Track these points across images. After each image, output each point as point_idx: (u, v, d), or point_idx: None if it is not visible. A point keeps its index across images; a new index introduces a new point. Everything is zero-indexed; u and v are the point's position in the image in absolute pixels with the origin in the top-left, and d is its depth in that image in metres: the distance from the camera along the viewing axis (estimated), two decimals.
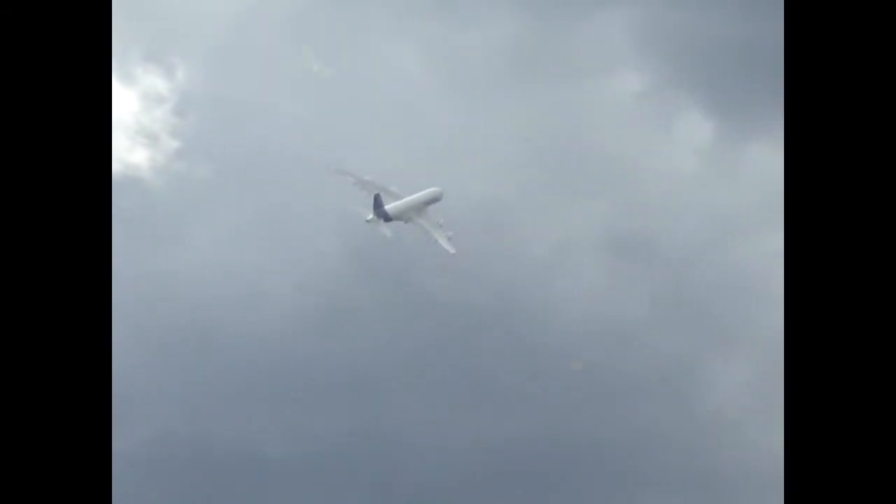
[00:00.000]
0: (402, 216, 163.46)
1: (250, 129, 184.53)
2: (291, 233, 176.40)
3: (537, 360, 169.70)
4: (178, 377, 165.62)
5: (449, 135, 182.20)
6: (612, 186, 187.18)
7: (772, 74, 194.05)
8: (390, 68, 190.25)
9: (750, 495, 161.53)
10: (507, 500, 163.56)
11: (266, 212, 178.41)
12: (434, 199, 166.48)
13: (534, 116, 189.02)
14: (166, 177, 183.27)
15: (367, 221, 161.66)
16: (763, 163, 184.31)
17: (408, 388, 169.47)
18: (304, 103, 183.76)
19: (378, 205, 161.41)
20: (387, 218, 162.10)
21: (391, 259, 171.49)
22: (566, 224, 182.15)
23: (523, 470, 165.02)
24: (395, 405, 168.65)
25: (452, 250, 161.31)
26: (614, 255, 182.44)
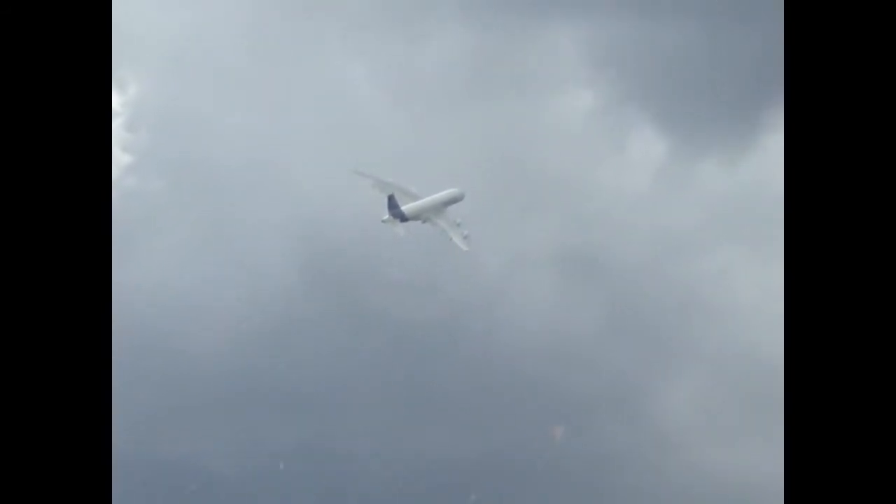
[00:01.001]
0: (420, 216, 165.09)
1: (202, 142, 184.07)
2: (242, 247, 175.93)
3: (486, 374, 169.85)
4: (124, 392, 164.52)
5: (399, 149, 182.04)
6: (564, 202, 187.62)
7: (723, 93, 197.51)
8: (342, 81, 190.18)
9: None
10: None
11: (218, 225, 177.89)
12: (454, 200, 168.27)
13: (486, 132, 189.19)
14: (118, 191, 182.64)
15: (384, 222, 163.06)
16: (713, 181, 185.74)
17: (357, 403, 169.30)
18: (256, 117, 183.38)
19: (393, 205, 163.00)
20: (403, 218, 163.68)
21: (341, 273, 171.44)
22: (517, 240, 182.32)
23: (471, 483, 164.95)
24: (344, 420, 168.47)
25: (465, 248, 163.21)
26: (565, 271, 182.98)
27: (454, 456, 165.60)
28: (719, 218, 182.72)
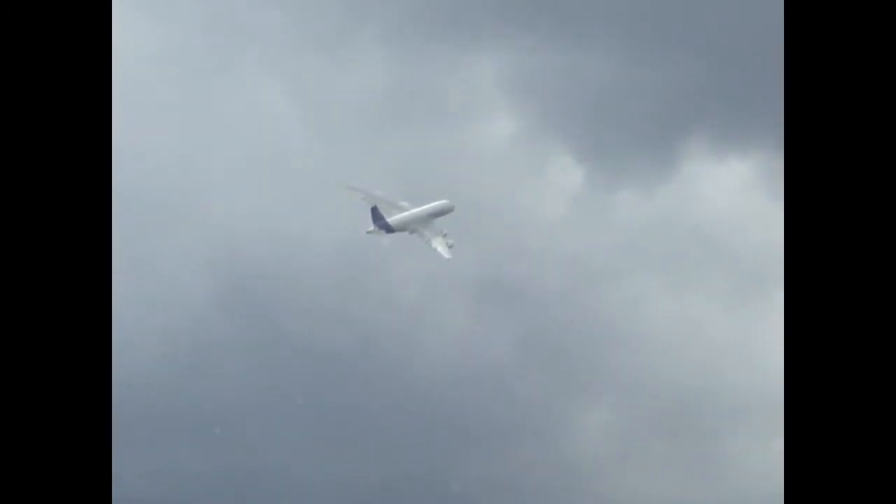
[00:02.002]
0: (407, 227, 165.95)
1: (119, 166, 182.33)
2: (157, 274, 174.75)
3: (401, 400, 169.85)
4: None
5: (317, 174, 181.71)
6: (482, 229, 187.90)
7: (642, 123, 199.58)
8: (261, 105, 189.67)
9: None
10: None
11: (127, 250, 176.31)
12: (443, 212, 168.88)
13: (406, 158, 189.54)
14: None
15: (368, 233, 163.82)
16: (629, 210, 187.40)
17: (274, 430, 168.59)
18: (169, 138, 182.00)
19: (377, 217, 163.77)
20: (389, 229, 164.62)
21: (258, 302, 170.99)
22: (434, 265, 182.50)
23: None
24: (262, 447, 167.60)
25: (448, 256, 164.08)
26: (482, 297, 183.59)
27: (367, 479, 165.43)
28: (634, 246, 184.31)
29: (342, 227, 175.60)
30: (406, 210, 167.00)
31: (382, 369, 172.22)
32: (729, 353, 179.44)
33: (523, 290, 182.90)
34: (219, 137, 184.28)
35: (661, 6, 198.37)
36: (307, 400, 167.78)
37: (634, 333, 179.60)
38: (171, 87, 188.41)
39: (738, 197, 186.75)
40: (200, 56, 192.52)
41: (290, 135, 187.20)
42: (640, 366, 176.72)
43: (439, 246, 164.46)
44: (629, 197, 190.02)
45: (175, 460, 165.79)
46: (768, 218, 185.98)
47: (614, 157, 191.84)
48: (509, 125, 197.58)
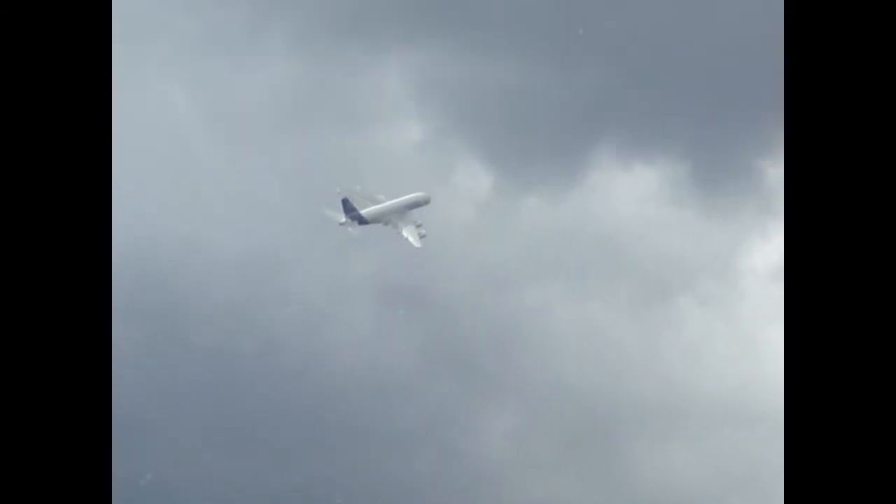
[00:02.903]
0: (381, 219, 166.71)
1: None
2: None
3: (304, 405, 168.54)
4: None
5: (219, 178, 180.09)
6: (387, 234, 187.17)
7: (550, 130, 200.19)
8: (163, 107, 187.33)
9: None
10: None
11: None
12: (418, 203, 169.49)
13: (311, 163, 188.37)
14: None
15: (341, 224, 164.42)
16: (536, 216, 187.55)
17: (173, 433, 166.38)
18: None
19: (349, 209, 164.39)
20: (362, 220, 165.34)
21: (158, 303, 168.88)
22: (339, 272, 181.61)
23: None
24: (159, 451, 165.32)
25: (418, 245, 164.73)
26: (387, 303, 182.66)
27: (267, 485, 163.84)
28: (541, 253, 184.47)
29: (248, 229, 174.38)
30: (381, 202, 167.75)
31: (284, 373, 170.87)
32: (632, 360, 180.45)
33: (430, 296, 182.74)
34: (119, 139, 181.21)
35: (570, 15, 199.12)
36: (206, 403, 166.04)
37: (539, 340, 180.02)
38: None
39: (644, 204, 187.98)
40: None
41: (191, 137, 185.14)
42: (545, 372, 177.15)
43: (410, 235, 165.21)
44: (536, 203, 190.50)
45: None
46: (672, 225, 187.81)
47: (522, 164, 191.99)
48: (417, 130, 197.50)
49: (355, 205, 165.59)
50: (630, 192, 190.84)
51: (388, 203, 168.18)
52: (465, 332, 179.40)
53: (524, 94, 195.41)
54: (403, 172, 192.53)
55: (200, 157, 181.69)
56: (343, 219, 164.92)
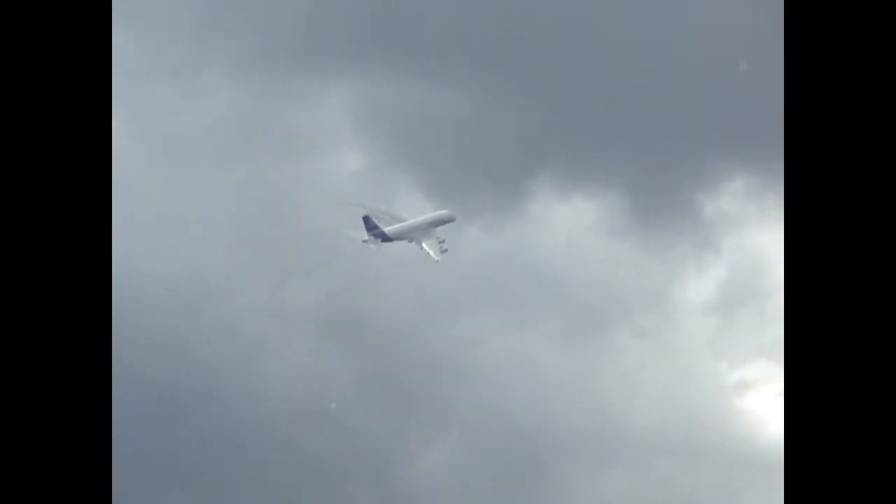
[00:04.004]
0: (405, 236, 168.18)
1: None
2: None
3: (238, 435, 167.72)
4: None
5: (157, 206, 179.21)
6: (327, 264, 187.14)
7: (491, 160, 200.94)
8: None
9: None
10: None
11: None
12: (443, 221, 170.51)
13: (251, 192, 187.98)
14: None
15: (364, 242, 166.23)
16: (476, 246, 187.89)
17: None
18: None
19: (371, 226, 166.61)
20: (385, 238, 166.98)
21: None
22: (277, 302, 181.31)
23: None
24: None
25: (438, 258, 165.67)
26: (324, 333, 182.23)
27: None
28: (479, 283, 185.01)
29: (183, 256, 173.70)
30: (406, 221, 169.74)
31: (217, 403, 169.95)
32: (567, 391, 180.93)
33: (368, 326, 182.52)
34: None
35: (512, 46, 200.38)
36: (137, 433, 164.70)
37: (476, 370, 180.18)
38: None
39: (582, 236, 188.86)
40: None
41: (130, 162, 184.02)
42: (481, 402, 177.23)
43: (431, 249, 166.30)
44: (476, 234, 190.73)
45: None
46: (610, 257, 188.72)
47: (463, 194, 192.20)
48: (357, 159, 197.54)
49: (377, 222, 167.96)
50: (569, 224, 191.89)
51: (412, 221, 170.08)
52: (401, 362, 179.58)
53: (465, 124, 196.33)
54: (342, 201, 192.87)
55: (138, 182, 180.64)
56: (366, 237, 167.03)
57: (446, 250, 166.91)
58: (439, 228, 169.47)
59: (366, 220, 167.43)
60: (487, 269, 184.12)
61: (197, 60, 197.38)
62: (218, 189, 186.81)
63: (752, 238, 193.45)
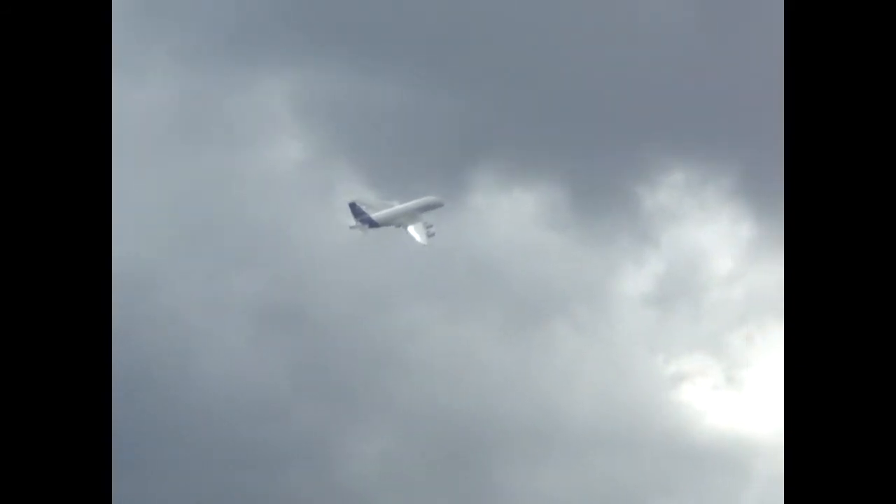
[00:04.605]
0: (393, 221, 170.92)
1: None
2: None
3: (175, 425, 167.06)
4: None
5: None
6: (267, 255, 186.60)
7: (432, 152, 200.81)
8: None
9: None
10: None
11: None
12: (430, 206, 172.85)
13: (190, 182, 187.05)
14: None
15: (351, 228, 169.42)
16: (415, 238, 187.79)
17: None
18: None
19: (357, 213, 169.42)
20: (372, 224, 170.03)
21: None
22: (216, 293, 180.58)
23: None
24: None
25: (423, 242, 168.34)
26: (263, 325, 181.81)
27: None
28: (419, 274, 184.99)
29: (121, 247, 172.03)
30: (393, 207, 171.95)
31: (153, 394, 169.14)
32: (505, 384, 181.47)
33: (305, 317, 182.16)
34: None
35: (453, 38, 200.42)
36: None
37: (414, 362, 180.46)
38: None
39: (522, 228, 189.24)
40: None
41: None
42: (419, 394, 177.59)
43: (417, 233, 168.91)
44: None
45: None
46: (549, 250, 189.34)
47: (404, 185, 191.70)
48: (299, 149, 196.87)
49: (364, 208, 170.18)
50: (509, 216, 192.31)
51: (400, 206, 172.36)
52: (341, 353, 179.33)
53: (406, 115, 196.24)
54: (283, 191, 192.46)
55: None
56: (353, 223, 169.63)
57: (433, 234, 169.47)
58: (427, 213, 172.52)
59: (352, 206, 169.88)
60: (428, 261, 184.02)
61: (136, 51, 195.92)
62: (157, 178, 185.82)
63: (690, 232, 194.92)
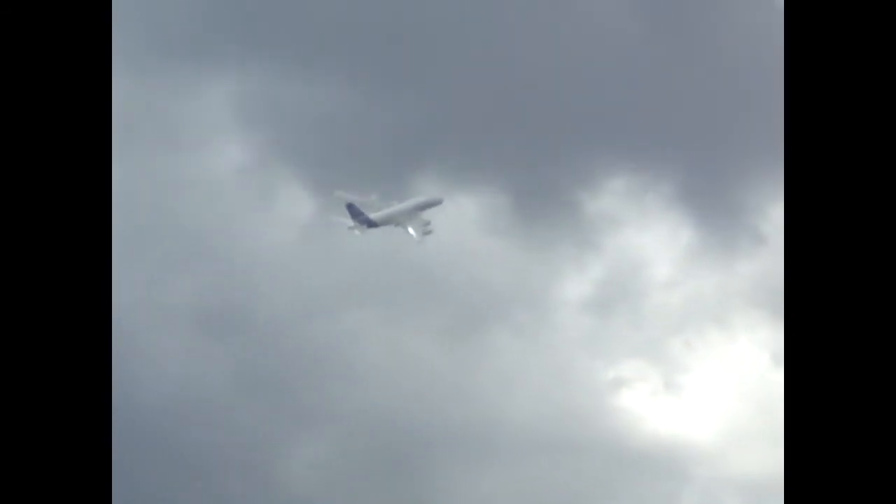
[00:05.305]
0: (391, 221, 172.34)
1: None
2: None
3: (116, 433, 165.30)
4: None
5: None
6: (207, 260, 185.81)
7: (375, 156, 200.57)
8: None
9: None
10: None
11: None
12: (430, 205, 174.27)
13: (129, 186, 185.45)
14: None
15: (350, 229, 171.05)
16: (357, 242, 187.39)
17: None
18: None
19: (355, 213, 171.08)
20: (371, 224, 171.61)
21: None
22: (155, 298, 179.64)
23: None
24: None
25: (419, 239, 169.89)
26: (202, 329, 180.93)
27: None
28: (359, 278, 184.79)
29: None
30: (392, 206, 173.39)
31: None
32: (445, 388, 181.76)
33: (244, 321, 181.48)
34: None
35: (399, 43, 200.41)
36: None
37: (353, 366, 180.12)
38: None
39: (463, 233, 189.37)
40: None
41: None
42: (358, 399, 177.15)
43: (414, 231, 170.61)
44: (357, 230, 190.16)
45: None
46: (491, 255, 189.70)
47: (346, 190, 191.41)
48: (239, 154, 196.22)
49: (362, 209, 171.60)
50: (451, 221, 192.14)
51: (399, 206, 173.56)
52: (279, 357, 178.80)
53: (348, 120, 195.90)
54: (224, 195, 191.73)
55: None
56: (351, 223, 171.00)
57: (430, 231, 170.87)
58: (426, 211, 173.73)
59: (350, 207, 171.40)
60: (369, 265, 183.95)
61: None
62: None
63: (631, 238, 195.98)
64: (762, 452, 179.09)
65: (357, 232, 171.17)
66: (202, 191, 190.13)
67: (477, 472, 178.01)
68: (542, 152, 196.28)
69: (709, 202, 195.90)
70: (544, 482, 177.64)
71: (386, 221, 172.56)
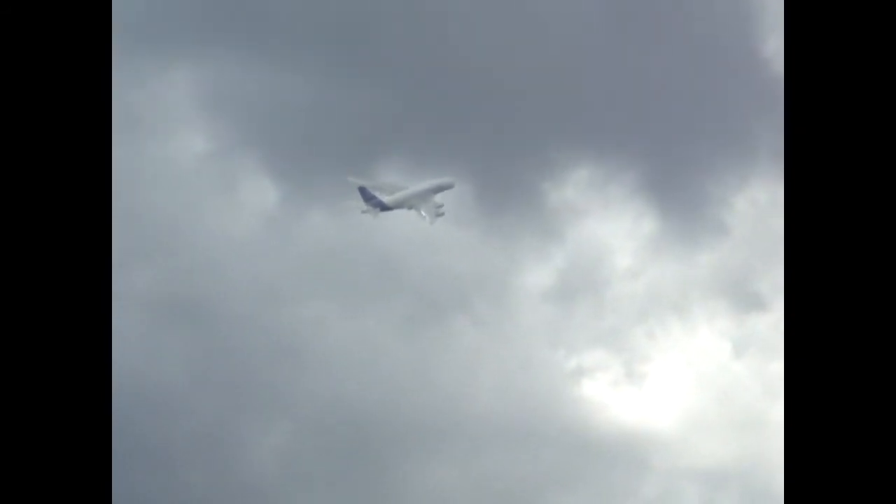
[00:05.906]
0: (404, 204, 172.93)
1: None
2: None
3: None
4: None
5: None
6: (169, 248, 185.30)
7: (340, 145, 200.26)
8: None
9: None
10: None
11: None
12: (442, 188, 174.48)
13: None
14: None
15: (363, 213, 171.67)
16: (320, 232, 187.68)
17: None
18: None
19: (368, 197, 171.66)
20: (384, 207, 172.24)
21: None
22: (117, 288, 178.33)
23: None
24: None
25: (430, 221, 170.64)
26: (161, 317, 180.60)
27: None
28: (321, 268, 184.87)
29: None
30: (405, 190, 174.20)
31: None
32: (405, 378, 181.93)
33: (206, 310, 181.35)
34: None
35: (365, 31, 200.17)
36: None
37: (314, 356, 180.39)
38: None
39: (425, 222, 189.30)
40: None
41: None
42: (318, 389, 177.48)
43: (427, 214, 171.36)
44: (320, 219, 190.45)
45: None
46: (452, 245, 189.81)
47: (310, 179, 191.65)
48: (202, 143, 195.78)
49: (374, 192, 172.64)
50: (412, 210, 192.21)
51: (412, 189, 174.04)
52: (239, 347, 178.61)
53: (312, 110, 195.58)
54: (185, 184, 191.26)
55: None
56: (364, 207, 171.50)
57: (442, 214, 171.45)
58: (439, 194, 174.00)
59: (362, 190, 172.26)
60: (331, 255, 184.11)
61: None
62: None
63: (593, 228, 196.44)
64: (722, 441, 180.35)
65: (370, 216, 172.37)
66: (162, 180, 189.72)
67: (438, 461, 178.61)
68: (505, 142, 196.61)
69: (672, 193, 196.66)
70: (506, 470, 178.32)
71: (399, 205, 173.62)
